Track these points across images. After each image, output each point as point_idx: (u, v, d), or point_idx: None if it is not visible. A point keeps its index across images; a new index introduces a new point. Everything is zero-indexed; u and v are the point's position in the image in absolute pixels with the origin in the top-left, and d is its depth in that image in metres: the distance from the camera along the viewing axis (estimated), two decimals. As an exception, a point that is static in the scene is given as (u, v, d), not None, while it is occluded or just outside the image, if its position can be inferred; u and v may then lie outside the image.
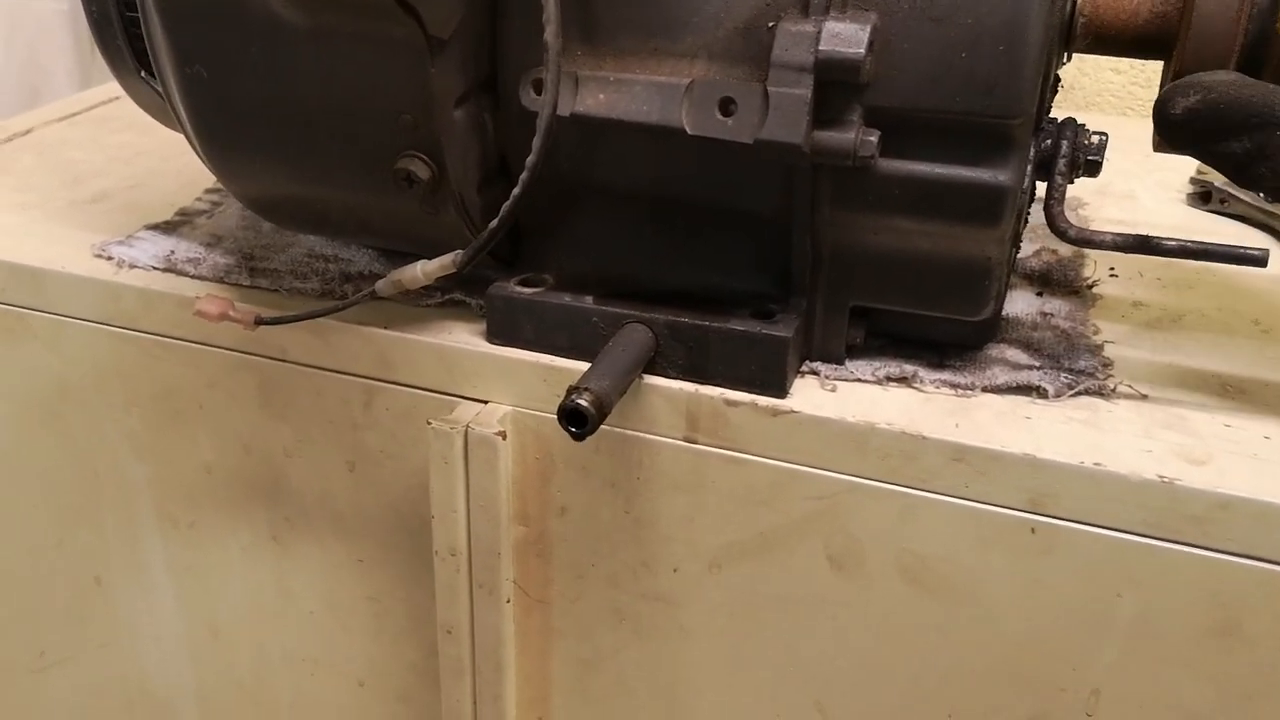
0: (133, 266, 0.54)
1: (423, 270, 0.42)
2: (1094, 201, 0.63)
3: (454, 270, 0.41)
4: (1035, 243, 0.55)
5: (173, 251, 0.54)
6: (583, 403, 0.38)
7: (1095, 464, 0.39)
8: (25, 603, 0.65)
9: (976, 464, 0.41)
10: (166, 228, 0.58)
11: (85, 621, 0.64)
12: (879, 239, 0.41)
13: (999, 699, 0.44)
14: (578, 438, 0.38)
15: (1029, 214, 0.50)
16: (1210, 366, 0.45)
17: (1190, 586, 0.39)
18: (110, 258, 0.54)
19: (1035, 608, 0.42)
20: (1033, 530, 0.41)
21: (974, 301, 0.42)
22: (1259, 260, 0.38)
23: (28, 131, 0.73)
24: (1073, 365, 0.44)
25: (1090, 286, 0.51)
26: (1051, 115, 0.44)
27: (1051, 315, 0.48)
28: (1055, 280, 0.51)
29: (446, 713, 0.53)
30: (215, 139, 0.44)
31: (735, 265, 0.44)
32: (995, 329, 0.46)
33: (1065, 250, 0.54)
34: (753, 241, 0.43)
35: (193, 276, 0.53)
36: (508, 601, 0.50)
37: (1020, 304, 0.49)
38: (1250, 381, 0.44)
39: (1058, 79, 0.46)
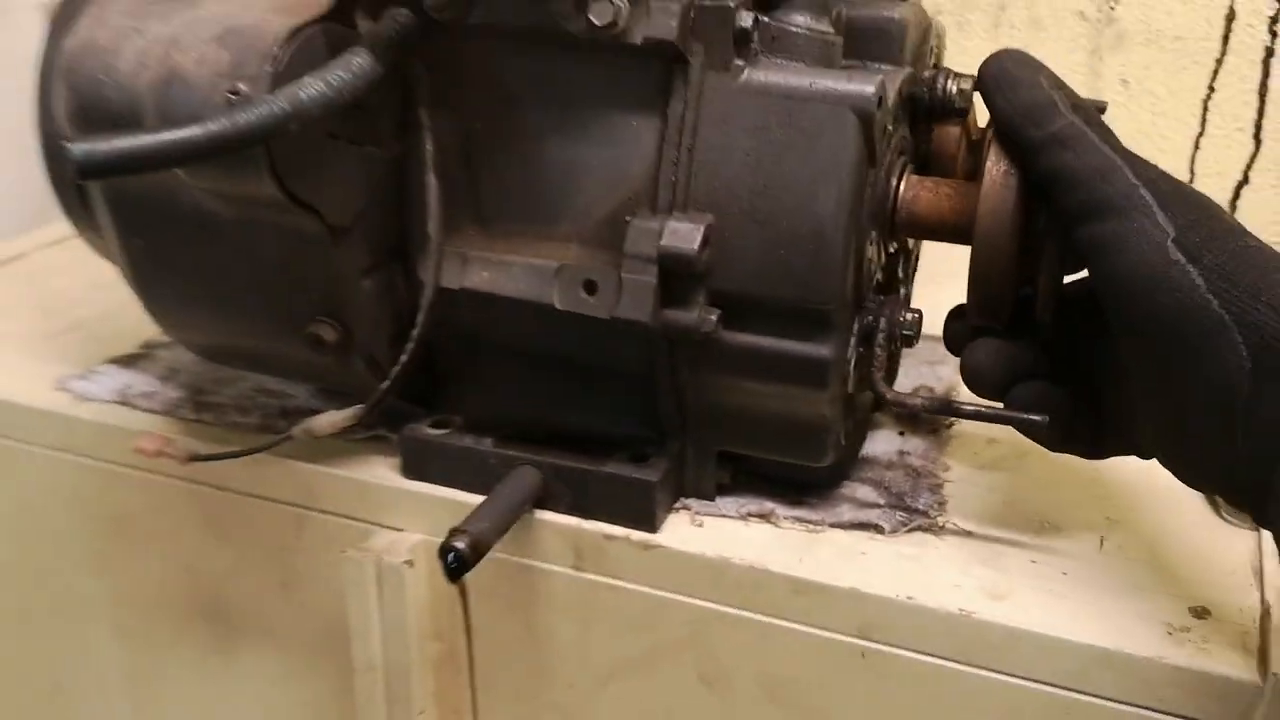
0: (90, 400, 0.62)
1: (329, 421, 0.50)
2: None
3: (356, 422, 0.49)
4: (916, 381, 0.63)
5: (129, 385, 0.63)
6: (459, 545, 0.46)
7: (909, 597, 0.47)
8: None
9: (812, 596, 0.48)
10: (127, 361, 0.66)
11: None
12: (732, 397, 0.49)
13: (850, 805, 0.51)
14: (453, 576, 0.46)
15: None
16: (1034, 504, 0.53)
17: (994, 708, 0.47)
18: (70, 391, 0.63)
19: (873, 723, 0.49)
20: (863, 655, 0.48)
21: (815, 451, 0.50)
22: (1039, 425, 0.46)
23: (19, 256, 0.82)
24: (913, 504, 0.52)
25: (949, 426, 0.59)
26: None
27: (908, 454, 0.56)
28: (922, 419, 0.59)
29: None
30: (151, 297, 0.53)
31: (617, 415, 0.52)
32: (849, 469, 0.54)
33: (940, 389, 0.62)
34: (631, 395, 0.51)
35: (144, 410, 0.61)
36: (421, 714, 0.57)
37: (881, 444, 0.57)
38: (1066, 518, 0.52)
39: (908, 254, 0.55)
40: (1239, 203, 0.82)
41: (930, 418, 0.60)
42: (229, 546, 0.61)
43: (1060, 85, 0.45)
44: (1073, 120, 0.44)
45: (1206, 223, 0.41)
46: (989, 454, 0.58)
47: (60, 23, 0.52)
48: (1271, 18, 0.78)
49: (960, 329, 0.50)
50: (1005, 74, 0.46)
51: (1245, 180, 0.82)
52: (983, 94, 0.46)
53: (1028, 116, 0.44)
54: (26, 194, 0.69)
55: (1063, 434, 0.49)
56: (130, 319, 0.71)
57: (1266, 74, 0.79)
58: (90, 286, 0.76)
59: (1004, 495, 0.54)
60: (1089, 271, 0.44)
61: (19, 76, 0.61)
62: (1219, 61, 0.80)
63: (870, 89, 0.44)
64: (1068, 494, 0.55)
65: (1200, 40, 0.79)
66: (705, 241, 0.45)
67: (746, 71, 0.45)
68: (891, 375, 0.60)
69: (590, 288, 0.47)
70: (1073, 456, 0.50)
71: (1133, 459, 0.48)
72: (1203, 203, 0.43)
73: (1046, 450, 0.50)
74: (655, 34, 0.44)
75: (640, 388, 0.51)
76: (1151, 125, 0.82)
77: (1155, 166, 0.43)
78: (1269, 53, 0.78)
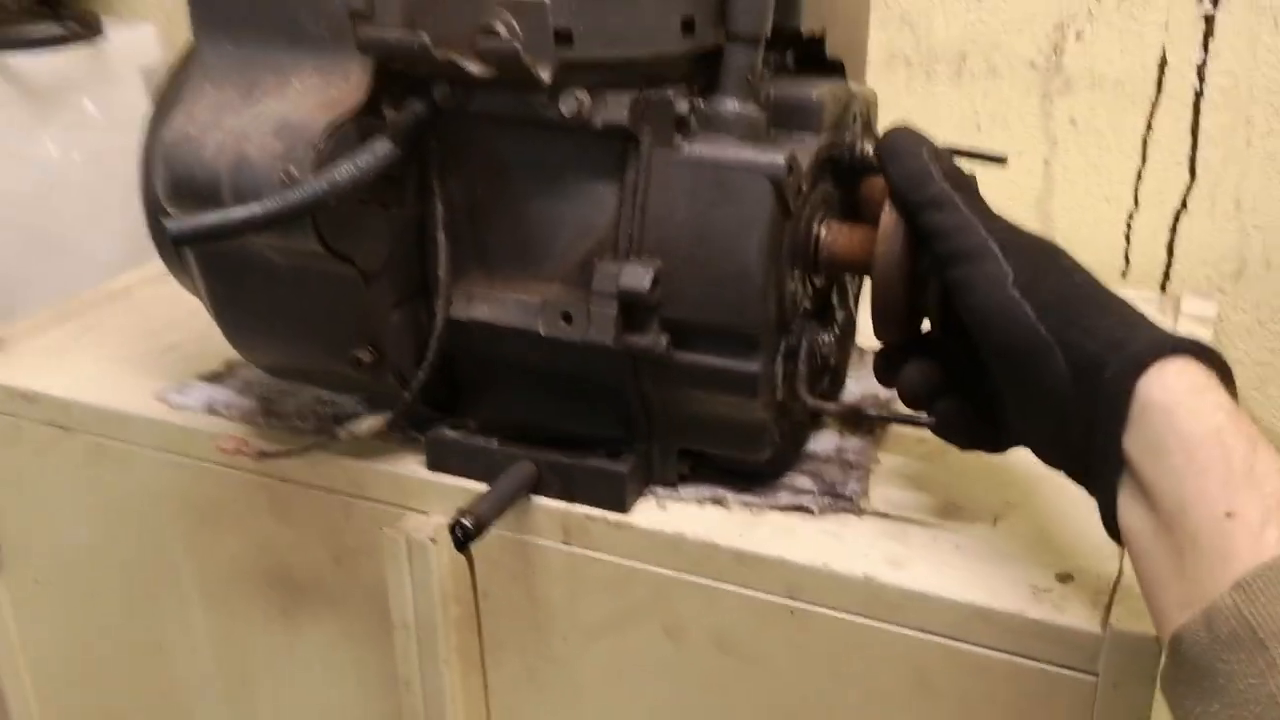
0: (183, 409, 0.75)
1: (367, 424, 0.62)
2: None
3: (388, 425, 0.62)
4: (865, 392, 0.73)
5: (214, 397, 0.76)
6: (465, 522, 0.58)
7: (825, 565, 0.58)
8: (103, 667, 0.87)
9: (750, 564, 0.59)
10: (213, 377, 0.79)
11: (150, 680, 0.85)
12: (686, 404, 0.61)
13: (788, 738, 0.62)
14: (460, 547, 0.58)
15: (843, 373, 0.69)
16: (946, 492, 0.64)
17: (896, 654, 0.57)
18: (167, 402, 0.76)
19: (802, 669, 0.60)
20: (791, 612, 0.59)
21: (755, 448, 0.61)
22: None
23: (127, 291, 0.96)
24: (841, 491, 0.63)
25: (884, 428, 0.69)
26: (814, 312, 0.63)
27: (845, 451, 0.67)
28: (861, 423, 0.70)
29: (409, 752, 0.73)
30: (228, 327, 0.66)
31: (597, 419, 0.64)
32: (791, 462, 0.65)
33: (885, 395, 0.72)
34: (607, 403, 0.63)
35: (225, 417, 0.74)
36: (445, 663, 0.69)
37: (823, 442, 0.68)
38: (970, 503, 0.62)
39: (843, 287, 0.65)
40: (1178, 227, 0.91)
41: (869, 421, 0.70)
42: (292, 528, 0.73)
43: (938, 156, 0.56)
44: (943, 187, 0.54)
45: (1040, 264, 0.52)
46: (916, 450, 0.68)
47: (159, 114, 0.65)
48: (1199, 65, 0.86)
49: (881, 363, 0.61)
50: (894, 146, 0.56)
51: (1184, 207, 0.91)
52: (878, 162, 0.57)
53: (909, 182, 0.55)
54: (132, 238, 0.81)
55: (969, 437, 0.59)
56: (215, 343, 0.84)
57: (1197, 114, 0.88)
58: (184, 315, 0.89)
59: (921, 485, 0.65)
60: (956, 306, 0.54)
61: (124, 133, 0.73)
62: (1154, 103, 0.89)
63: (781, 159, 0.55)
64: (975, 483, 0.65)
65: (1138, 84, 0.88)
66: (655, 281, 0.56)
67: (685, 146, 0.57)
68: (837, 385, 0.71)
69: (567, 318, 0.59)
70: (984, 458, 0.61)
71: (1030, 453, 0.59)
72: (1041, 248, 0.53)
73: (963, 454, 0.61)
74: (611, 119, 0.56)
75: (613, 397, 0.62)
76: (1099, 159, 0.91)
77: (1005, 222, 0.54)
78: (1198, 95, 0.87)
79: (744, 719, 0.63)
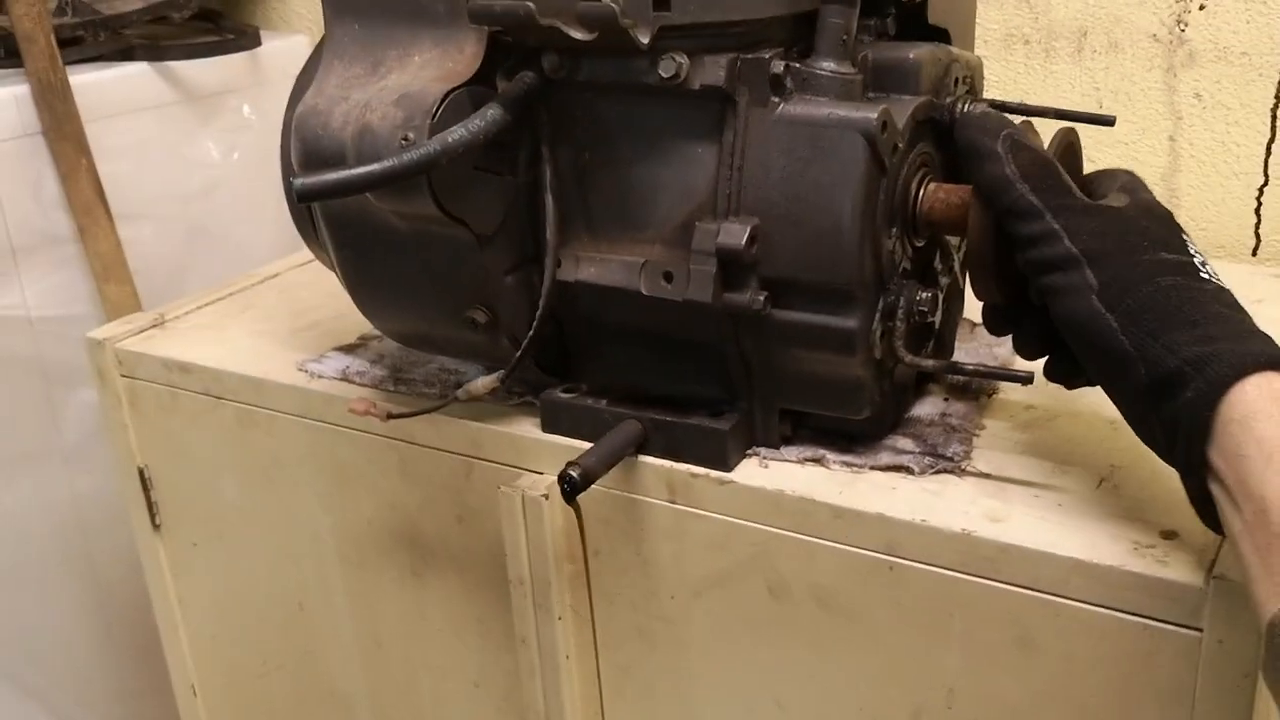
0: (321, 377, 0.79)
1: (483, 383, 0.65)
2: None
3: (499, 385, 0.64)
4: (975, 358, 0.72)
5: (349, 366, 0.80)
6: (573, 473, 0.59)
7: (923, 519, 0.57)
8: (251, 623, 0.91)
9: (848, 519, 0.59)
10: (348, 349, 0.83)
11: (292, 637, 0.89)
12: (785, 363, 0.61)
13: (889, 697, 0.61)
14: (568, 498, 0.59)
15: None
16: (1052, 455, 0.62)
17: (996, 610, 0.56)
18: (307, 371, 0.80)
19: (901, 626, 0.59)
20: (890, 568, 0.59)
21: (853, 406, 0.61)
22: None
23: (275, 275, 1.02)
24: (943, 452, 0.62)
25: (991, 395, 0.68)
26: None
27: (949, 415, 0.66)
28: (971, 389, 0.69)
29: (526, 707, 0.75)
30: (358, 295, 0.69)
31: (700, 379, 0.65)
32: (892, 425, 0.64)
33: (995, 364, 0.71)
34: (709, 364, 0.63)
35: (359, 384, 0.77)
36: (560, 619, 0.70)
37: (927, 407, 0.67)
38: (1076, 465, 0.61)
39: (945, 250, 0.65)
40: (1308, 197, 0.87)
41: (976, 387, 0.69)
42: (419, 489, 0.76)
43: (1015, 150, 0.55)
44: (1021, 193, 0.54)
45: (1126, 273, 0.52)
46: (1022, 417, 0.66)
47: (296, 93, 0.69)
48: (1329, 32, 0.82)
49: (989, 314, 0.61)
50: (970, 146, 0.57)
51: (1315, 178, 0.86)
52: (958, 156, 0.57)
53: (989, 190, 0.55)
54: (284, 232, 0.85)
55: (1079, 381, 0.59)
56: (350, 320, 0.88)
57: (1327, 83, 0.84)
58: (324, 297, 0.93)
59: (1026, 448, 0.63)
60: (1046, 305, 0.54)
61: (278, 136, 0.77)
62: (1283, 73, 0.85)
63: (874, 116, 0.55)
64: (1081, 448, 0.63)
65: (1265, 55, 0.84)
66: (752, 239, 0.57)
67: (781, 107, 0.57)
68: (943, 352, 0.70)
69: (668, 277, 0.60)
70: (1094, 421, 0.61)
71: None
72: (1130, 246, 0.52)
73: (1074, 414, 0.61)
74: (709, 82, 0.57)
75: (715, 357, 0.63)
76: (1226, 134, 0.88)
77: (1093, 218, 0.53)
78: (1329, 63, 0.83)
79: (845, 677, 0.63)
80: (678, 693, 0.70)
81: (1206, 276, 0.52)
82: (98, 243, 1.06)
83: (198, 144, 1.16)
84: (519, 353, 0.63)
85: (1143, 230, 0.53)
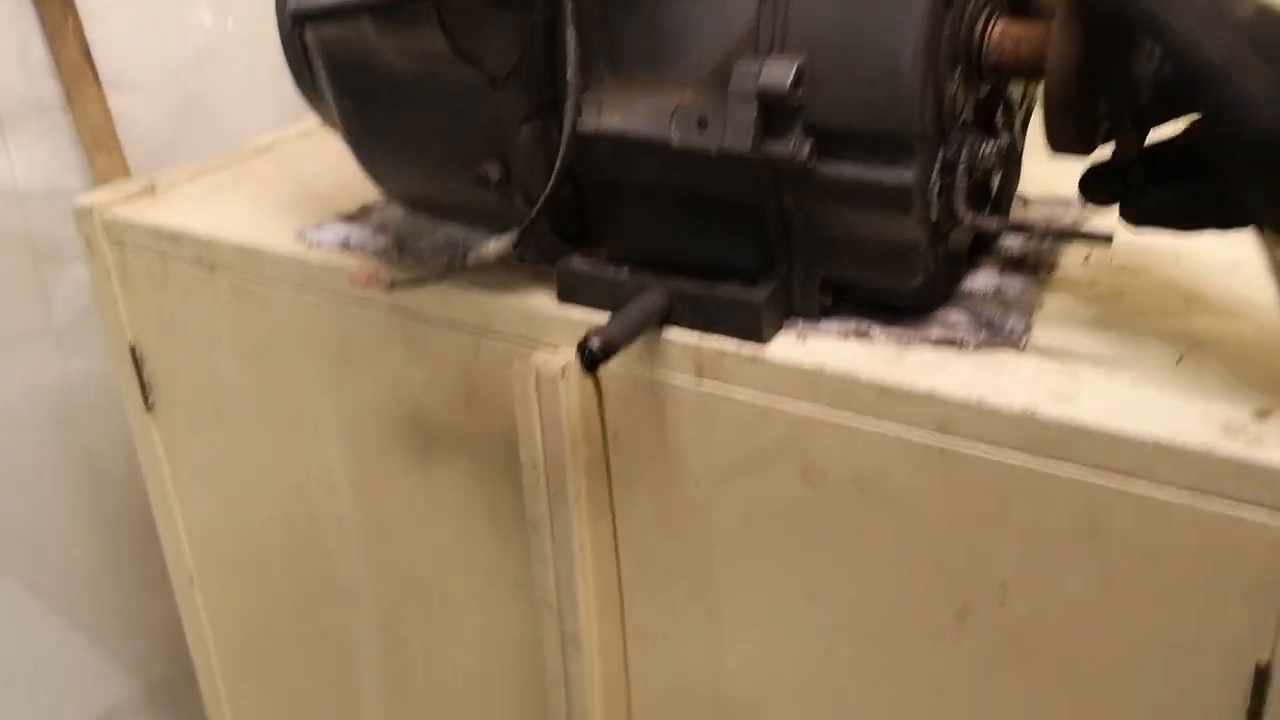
0: (320, 246, 0.72)
1: (494, 246, 0.57)
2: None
3: (511, 247, 0.57)
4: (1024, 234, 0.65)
5: (349, 236, 0.73)
6: (594, 344, 0.52)
7: (979, 398, 0.50)
8: (249, 510, 0.86)
9: (895, 398, 0.52)
10: (349, 218, 0.76)
11: (293, 525, 0.84)
12: (831, 223, 0.54)
13: (933, 592, 0.55)
14: (589, 369, 0.53)
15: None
16: (1120, 332, 0.55)
17: (1062, 497, 0.50)
18: (306, 239, 0.73)
19: (951, 515, 0.53)
20: (941, 452, 0.52)
21: (905, 273, 0.54)
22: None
23: (272, 144, 0.94)
24: (1000, 326, 0.55)
25: (1050, 271, 0.61)
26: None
27: (1005, 291, 0.59)
28: (1028, 263, 0.62)
29: (536, 597, 0.69)
30: (361, 151, 0.62)
31: (733, 244, 0.57)
32: (944, 296, 0.57)
33: (1046, 243, 0.64)
34: (744, 226, 0.56)
35: (361, 254, 0.70)
36: (575, 505, 0.64)
37: (982, 280, 0.60)
38: (1149, 343, 0.54)
39: (1009, 104, 0.57)
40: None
41: (1033, 262, 0.62)
42: (425, 367, 0.70)
43: None
44: None
45: None
46: (1087, 293, 0.59)
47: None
48: None
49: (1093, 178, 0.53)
50: None
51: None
52: None
53: None
54: (282, 104, 0.78)
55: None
56: (353, 188, 0.81)
57: None
58: (324, 167, 0.86)
59: (1092, 325, 0.56)
60: (1199, 125, 0.46)
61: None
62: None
63: (942, -64, 0.47)
64: (1157, 324, 0.56)
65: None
66: (798, 78, 0.49)
67: (836, -73, 0.49)
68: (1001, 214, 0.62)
69: (702, 124, 0.52)
70: (1167, 296, 0.52)
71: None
72: None
73: (1142, 290, 0.53)
74: (754, -105, 0.49)
75: (751, 219, 0.55)
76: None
77: (1249, 7, 0.44)
78: None
79: (883, 570, 0.57)
80: (699, 584, 0.64)
81: None
82: (86, 109, 0.98)
83: (190, 8, 1.07)
84: (534, 211, 0.56)
85: None
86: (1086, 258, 0.63)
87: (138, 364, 0.84)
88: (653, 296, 0.58)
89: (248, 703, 0.97)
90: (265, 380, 0.78)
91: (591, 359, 0.53)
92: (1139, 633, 0.50)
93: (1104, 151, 0.52)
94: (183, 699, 1.16)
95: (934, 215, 0.52)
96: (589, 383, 0.62)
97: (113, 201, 0.82)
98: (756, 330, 0.56)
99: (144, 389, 0.84)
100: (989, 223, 0.51)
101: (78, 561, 1.11)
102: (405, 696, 0.84)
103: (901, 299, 0.56)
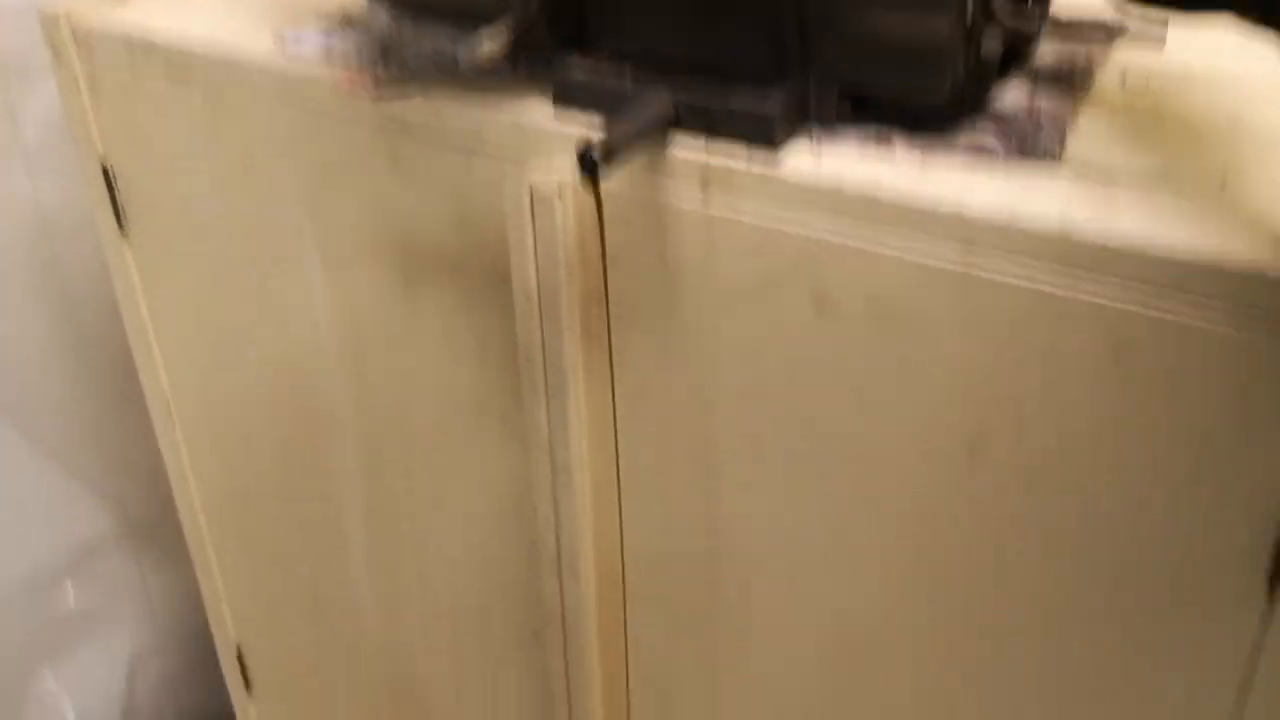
0: (300, 59, 0.67)
1: (487, 46, 0.53)
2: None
3: (507, 42, 0.52)
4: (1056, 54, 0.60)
5: (332, 46, 0.67)
6: (594, 152, 0.48)
7: (1009, 216, 0.46)
8: (226, 337, 0.82)
9: (918, 217, 0.48)
10: (331, 28, 0.70)
11: (271, 351, 0.80)
12: (854, 21, 0.49)
13: (948, 419, 0.52)
14: (589, 174, 0.48)
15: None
16: (1162, 154, 0.51)
17: (1092, 320, 0.46)
18: (285, 42, 0.67)
19: (971, 340, 0.50)
20: (966, 273, 0.48)
21: (934, 78, 0.49)
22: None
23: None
24: (1033, 142, 0.51)
25: (1086, 90, 0.56)
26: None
27: (1038, 109, 0.54)
28: (1062, 81, 0.57)
29: (528, 429, 0.66)
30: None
31: (745, 44, 0.53)
32: (972, 111, 0.53)
33: (1080, 60, 0.59)
34: (759, 24, 0.51)
35: (344, 65, 0.65)
36: (569, 334, 0.61)
37: (1012, 96, 0.55)
38: (1193, 164, 0.50)
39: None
40: None
41: (1067, 80, 0.57)
42: (412, 188, 0.65)
43: None
44: None
45: None
46: (1124, 115, 0.55)
47: None
48: None
49: None
50: None
51: None
52: None
53: None
54: None
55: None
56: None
57: None
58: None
59: (1131, 145, 0.52)
60: None
61: None
62: None
63: None
64: (1200, 146, 0.52)
65: None
66: None
67: None
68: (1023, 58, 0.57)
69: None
70: (1210, 119, 0.48)
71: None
72: None
73: (1184, 114, 0.49)
74: None
75: (766, 20, 0.51)
76: None
77: None
78: None
79: (892, 398, 0.53)
80: (696, 414, 0.61)
81: None
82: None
83: None
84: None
85: None
86: (1123, 81, 0.58)
87: (110, 183, 0.79)
88: (657, 101, 0.53)
89: (229, 540, 0.96)
90: (243, 201, 0.74)
91: (592, 164, 0.49)
92: (1160, 470, 0.47)
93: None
94: (163, 534, 1.14)
95: (968, 20, 0.47)
96: (588, 203, 0.58)
97: (82, 8, 0.76)
98: (769, 135, 0.51)
99: (117, 210, 0.80)
100: (1029, 23, 0.46)
101: (53, 393, 1.08)
102: (390, 532, 0.82)
103: (926, 111, 0.52)
